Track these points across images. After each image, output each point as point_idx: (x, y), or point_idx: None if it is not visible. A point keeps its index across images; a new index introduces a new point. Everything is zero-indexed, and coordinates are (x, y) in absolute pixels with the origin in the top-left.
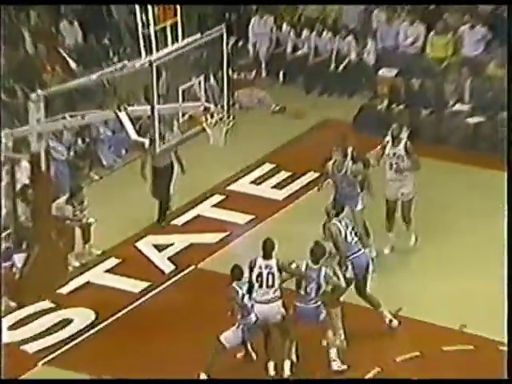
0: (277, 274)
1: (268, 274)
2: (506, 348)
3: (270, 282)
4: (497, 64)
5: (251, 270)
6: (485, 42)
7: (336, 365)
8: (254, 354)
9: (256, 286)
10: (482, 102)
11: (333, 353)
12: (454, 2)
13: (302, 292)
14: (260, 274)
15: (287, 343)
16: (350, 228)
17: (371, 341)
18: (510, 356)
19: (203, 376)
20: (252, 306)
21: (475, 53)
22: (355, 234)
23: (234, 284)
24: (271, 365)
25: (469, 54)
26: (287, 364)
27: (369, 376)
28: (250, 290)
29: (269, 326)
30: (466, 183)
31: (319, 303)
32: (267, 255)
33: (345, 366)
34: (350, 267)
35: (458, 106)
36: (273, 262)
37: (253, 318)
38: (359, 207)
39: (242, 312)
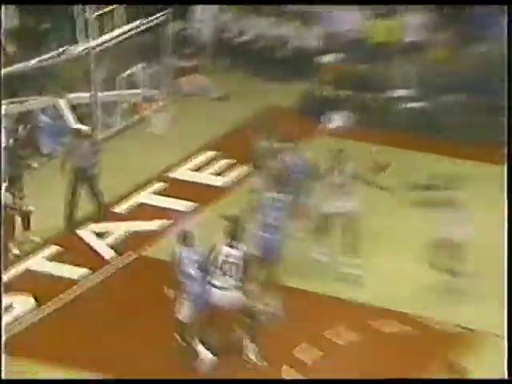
0: (241, 264)
1: (232, 263)
2: (440, 326)
3: (233, 272)
4: (442, 49)
5: (210, 253)
6: (430, 27)
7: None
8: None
9: (218, 272)
10: (427, 86)
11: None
12: (452, 2)
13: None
14: (224, 262)
15: (246, 331)
16: (279, 212)
17: (309, 323)
18: (509, 356)
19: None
20: (201, 282)
21: (420, 38)
22: (281, 218)
23: (176, 248)
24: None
25: (414, 39)
26: (250, 347)
27: (296, 349)
28: (207, 271)
29: (223, 312)
30: (409, 166)
31: (239, 287)
32: (233, 243)
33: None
34: (260, 246)
35: (402, 91)
36: (238, 252)
37: (197, 288)
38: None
39: (185, 282)
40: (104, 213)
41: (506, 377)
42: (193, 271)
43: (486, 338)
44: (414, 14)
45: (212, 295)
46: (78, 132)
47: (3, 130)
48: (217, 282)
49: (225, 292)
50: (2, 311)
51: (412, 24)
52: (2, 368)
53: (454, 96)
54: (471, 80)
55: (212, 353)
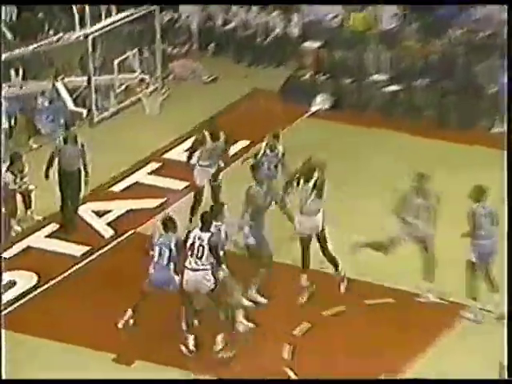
0: (207, 248)
1: (199, 245)
2: (422, 299)
3: (200, 254)
4: (412, 37)
5: (186, 238)
6: (400, 16)
7: (241, 326)
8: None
9: (188, 254)
10: (398, 71)
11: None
12: (451, 2)
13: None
14: (192, 244)
15: (221, 315)
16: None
17: (296, 297)
18: (509, 355)
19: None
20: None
21: (391, 26)
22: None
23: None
24: (191, 338)
25: (386, 28)
26: (220, 338)
27: (298, 331)
28: (177, 251)
29: (196, 295)
30: (382, 146)
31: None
32: (203, 227)
33: (251, 325)
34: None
35: (376, 76)
36: (206, 236)
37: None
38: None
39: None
40: (71, 227)
41: (505, 377)
42: (154, 253)
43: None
44: (386, 3)
45: (184, 276)
46: (75, 114)
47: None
48: (187, 264)
49: (192, 272)
50: (2, 288)
51: (386, 14)
52: (2, 368)
53: (425, 80)
54: (439, 65)
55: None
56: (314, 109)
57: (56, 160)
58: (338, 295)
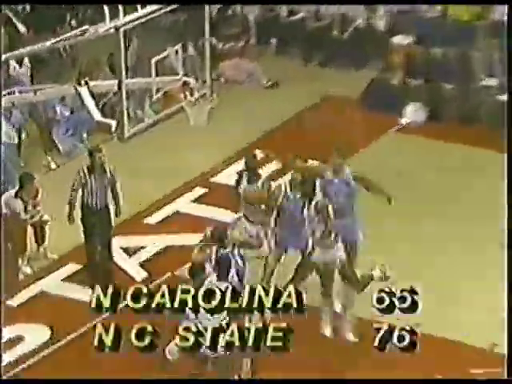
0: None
1: (216, 296)
2: None
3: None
4: None
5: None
6: None
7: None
8: None
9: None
10: None
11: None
12: (451, 1)
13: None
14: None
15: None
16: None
17: (385, 360)
18: (509, 356)
19: None
20: None
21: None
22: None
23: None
24: None
25: (500, 18)
26: None
27: None
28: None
29: None
30: (493, 171)
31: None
32: (220, 275)
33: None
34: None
35: (486, 80)
36: (223, 286)
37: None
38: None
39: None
40: (107, 277)
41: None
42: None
43: None
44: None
45: None
46: (102, 126)
47: (3, 126)
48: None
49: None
50: (4, 345)
51: None
52: (2, 368)
53: None
54: None
55: None
56: (404, 121)
57: (79, 194)
58: (436, 361)
